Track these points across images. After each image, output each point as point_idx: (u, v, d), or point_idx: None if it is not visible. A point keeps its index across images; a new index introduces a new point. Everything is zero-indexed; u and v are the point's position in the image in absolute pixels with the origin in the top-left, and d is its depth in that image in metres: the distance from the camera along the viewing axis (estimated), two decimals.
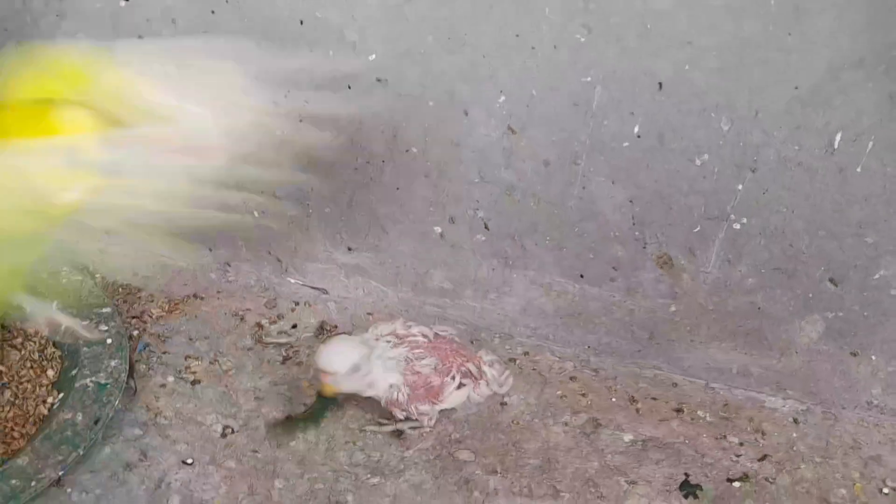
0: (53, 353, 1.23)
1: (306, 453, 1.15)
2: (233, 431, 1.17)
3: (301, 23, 1.18)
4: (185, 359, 1.27)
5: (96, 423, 1.11)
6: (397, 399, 1.13)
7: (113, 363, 1.19)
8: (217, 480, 1.11)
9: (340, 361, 1.11)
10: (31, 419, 1.16)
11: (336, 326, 1.33)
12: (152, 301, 1.36)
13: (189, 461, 1.13)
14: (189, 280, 1.39)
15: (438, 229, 1.28)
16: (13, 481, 1.04)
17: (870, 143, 1.04)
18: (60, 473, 1.06)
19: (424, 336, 1.18)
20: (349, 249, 1.34)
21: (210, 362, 1.27)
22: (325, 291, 1.37)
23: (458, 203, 1.24)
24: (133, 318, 1.32)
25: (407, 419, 1.17)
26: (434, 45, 1.14)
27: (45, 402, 1.18)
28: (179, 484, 1.11)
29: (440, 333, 1.20)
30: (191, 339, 1.30)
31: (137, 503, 1.08)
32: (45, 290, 1.27)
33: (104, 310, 1.26)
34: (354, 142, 1.24)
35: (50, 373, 1.21)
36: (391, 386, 1.14)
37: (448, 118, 1.18)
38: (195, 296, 1.37)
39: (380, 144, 1.23)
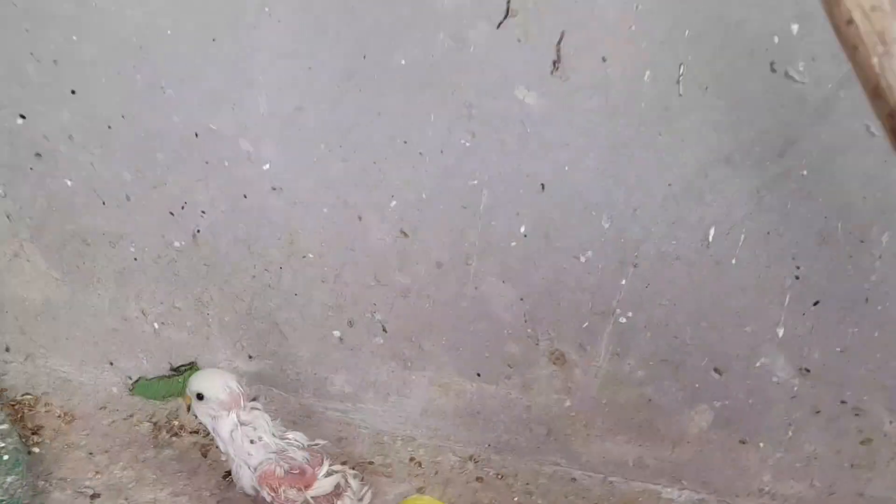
0: None
1: None
2: None
3: (196, 135, 1.20)
4: (85, 472, 1.26)
5: None
6: (274, 472, 1.13)
7: (10, 479, 1.17)
8: None
9: (208, 387, 1.13)
10: None
11: None
12: (51, 415, 1.34)
13: None
14: (90, 394, 1.38)
15: (337, 333, 1.29)
16: None
17: (741, 235, 1.09)
18: None
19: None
20: (250, 357, 1.35)
21: (108, 476, 1.26)
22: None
23: (356, 306, 1.26)
24: (32, 433, 1.31)
25: None
26: (326, 153, 1.17)
27: None
28: None
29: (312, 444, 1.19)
30: (90, 454, 1.29)
31: None
32: None
33: (2, 426, 1.25)
34: (252, 250, 1.26)
35: None
36: (269, 456, 1.13)
37: (342, 223, 1.21)
38: (99, 409, 1.36)
39: (277, 251, 1.26)
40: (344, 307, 1.27)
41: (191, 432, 1.33)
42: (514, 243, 1.16)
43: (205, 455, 1.30)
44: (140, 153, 1.23)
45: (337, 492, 1.17)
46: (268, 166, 1.20)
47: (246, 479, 1.13)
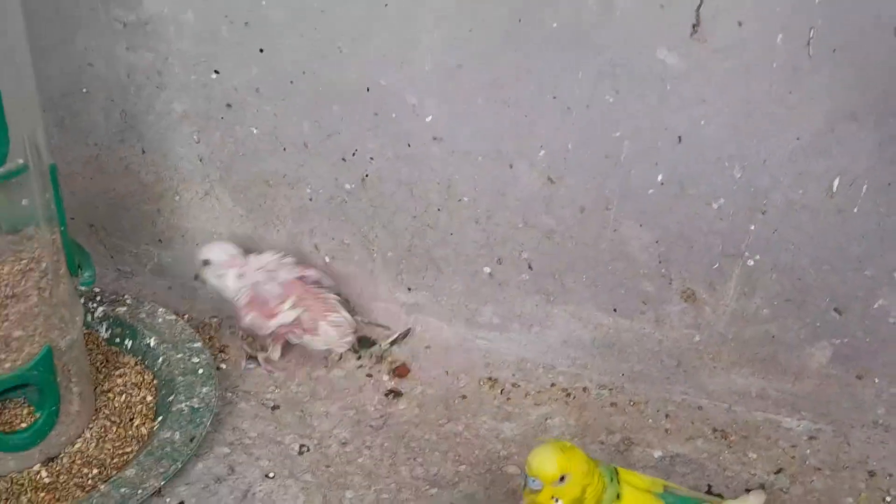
0: (151, 380, 1.40)
1: (372, 468, 1.30)
2: (308, 450, 1.33)
3: (367, 90, 1.35)
4: (266, 387, 1.43)
5: (191, 440, 1.27)
6: (239, 302, 1.43)
7: (204, 390, 1.35)
8: (295, 491, 1.27)
9: (211, 253, 1.44)
10: (133, 438, 1.32)
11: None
12: (234, 337, 1.52)
13: (271, 475, 1.29)
14: None
15: (487, 269, 1.43)
16: (122, 489, 1.21)
17: (864, 186, 1.19)
18: (161, 483, 1.22)
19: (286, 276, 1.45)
20: (409, 289, 1.50)
21: (287, 390, 1.43)
22: (387, 328, 1.53)
23: (505, 245, 1.40)
24: (219, 351, 1.49)
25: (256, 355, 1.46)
26: (482, 107, 1.30)
27: (144, 423, 1.34)
28: (263, 494, 1.26)
29: (306, 277, 1.45)
30: (268, 371, 1.46)
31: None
32: (143, 329, 1.45)
33: (195, 344, 1.43)
34: (413, 193, 1.41)
35: (149, 398, 1.38)
36: (238, 290, 1.43)
37: (495, 170, 1.35)
38: None
39: (435, 194, 1.40)
40: (494, 246, 1.41)
41: (357, 357, 1.49)
42: (651, 191, 1.28)
43: (369, 376, 1.45)
44: (318, 105, 1.39)
45: (304, 327, 1.43)
46: (430, 118, 1.34)
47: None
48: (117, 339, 1.47)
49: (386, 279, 1.50)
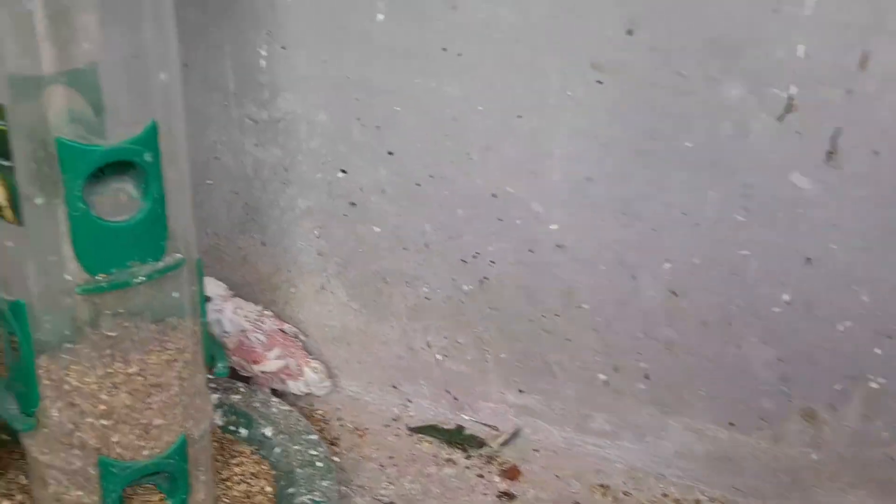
0: (269, 470, 1.43)
1: None
2: None
3: (494, 196, 1.38)
4: (379, 482, 1.45)
5: None
6: (225, 343, 1.53)
7: (325, 484, 1.37)
8: None
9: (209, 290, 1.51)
10: None
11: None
12: (345, 429, 1.55)
13: None
14: (376, 412, 1.58)
15: (603, 376, 1.45)
16: None
17: None
18: None
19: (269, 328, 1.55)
20: (520, 391, 1.52)
21: (400, 486, 1.45)
22: (495, 428, 1.54)
23: (623, 354, 1.42)
24: (330, 444, 1.52)
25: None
26: (609, 218, 1.33)
27: None
28: None
29: (285, 330, 1.56)
30: (382, 466, 1.48)
31: None
32: (259, 418, 1.48)
33: (311, 436, 1.45)
34: (532, 298, 1.43)
35: (268, 489, 1.40)
36: (230, 328, 1.53)
37: (617, 280, 1.37)
38: (384, 426, 1.55)
39: (555, 300, 1.42)
40: (611, 354, 1.43)
41: (466, 457, 1.50)
42: (776, 309, 1.30)
43: (480, 476, 1.47)
44: (442, 208, 1.42)
45: (289, 373, 1.55)
46: (555, 226, 1.37)
47: None
48: (231, 427, 1.50)
49: (497, 380, 1.52)
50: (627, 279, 1.36)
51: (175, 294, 1.20)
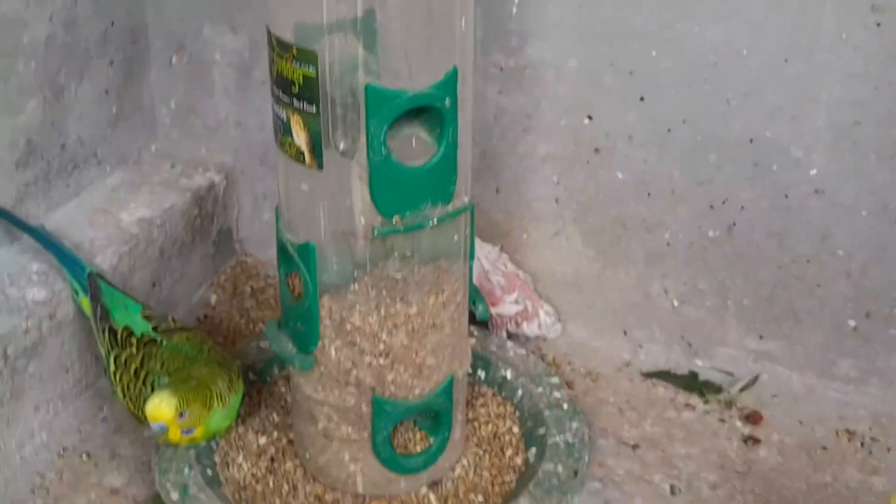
0: (513, 412, 1.44)
1: None
2: (680, 491, 1.35)
3: (750, 141, 1.37)
4: (620, 425, 1.46)
5: (575, 475, 1.31)
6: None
7: (574, 425, 1.39)
8: None
9: None
10: (510, 468, 1.36)
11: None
12: (576, 373, 1.56)
13: None
14: (606, 358, 1.58)
15: (853, 322, 1.44)
16: None
17: None
18: None
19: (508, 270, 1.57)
20: (760, 337, 1.51)
21: (642, 430, 1.45)
22: (730, 374, 1.54)
23: (877, 301, 1.40)
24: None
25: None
26: (875, 163, 1.31)
27: (517, 454, 1.38)
28: None
29: (519, 275, 1.57)
30: (620, 410, 1.49)
31: None
32: (497, 361, 1.49)
33: (553, 379, 1.47)
34: (783, 244, 1.42)
35: (515, 429, 1.42)
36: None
37: (878, 226, 1.35)
38: (616, 371, 1.56)
39: (807, 246, 1.41)
40: (864, 300, 1.41)
41: (704, 402, 1.50)
42: None
43: (722, 421, 1.47)
44: (693, 154, 1.42)
45: (525, 316, 1.56)
46: (814, 171, 1.35)
47: None
48: (469, 370, 1.52)
49: (736, 326, 1.52)
50: (890, 225, 1.35)
51: (455, 237, 1.22)
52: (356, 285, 1.19)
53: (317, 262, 1.18)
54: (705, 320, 1.53)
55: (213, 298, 1.68)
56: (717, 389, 1.52)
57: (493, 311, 1.55)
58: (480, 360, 1.50)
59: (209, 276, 1.69)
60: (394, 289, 1.20)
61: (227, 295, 1.68)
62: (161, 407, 1.21)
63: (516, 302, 1.56)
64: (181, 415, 1.21)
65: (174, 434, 1.23)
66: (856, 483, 1.36)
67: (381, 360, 1.23)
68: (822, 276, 1.42)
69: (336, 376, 1.25)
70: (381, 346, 1.22)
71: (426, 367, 1.25)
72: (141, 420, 1.30)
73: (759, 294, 1.48)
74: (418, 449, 1.31)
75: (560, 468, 1.32)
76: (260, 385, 1.47)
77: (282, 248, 1.22)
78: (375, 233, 1.14)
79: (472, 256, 1.27)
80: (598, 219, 1.54)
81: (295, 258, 1.19)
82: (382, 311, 1.20)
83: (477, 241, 1.53)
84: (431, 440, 1.31)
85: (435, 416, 1.30)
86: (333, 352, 1.23)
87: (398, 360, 1.23)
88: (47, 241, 1.40)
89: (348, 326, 1.21)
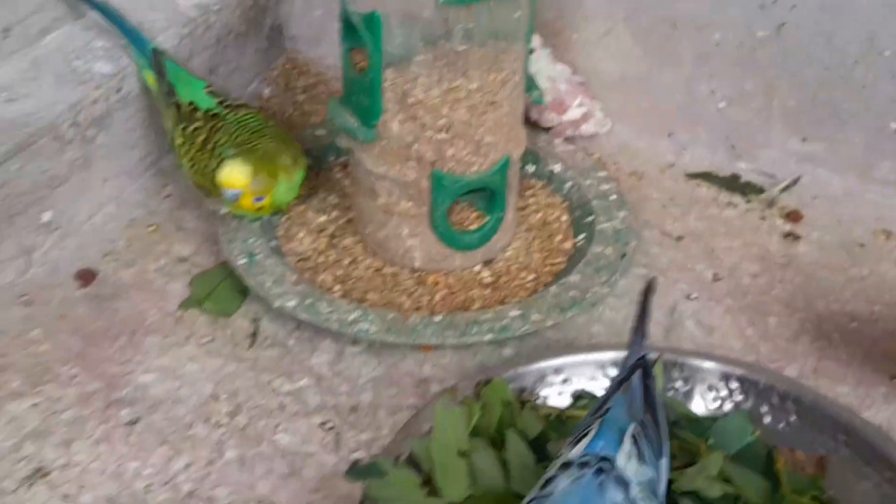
0: (562, 202, 1.49)
1: (788, 300, 1.37)
2: (722, 278, 1.41)
3: None
4: (664, 218, 1.51)
5: (623, 256, 1.37)
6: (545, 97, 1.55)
7: (621, 214, 1.44)
8: (720, 312, 1.35)
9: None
10: (559, 252, 1.42)
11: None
12: (621, 171, 1.60)
13: (693, 296, 1.38)
14: (650, 158, 1.62)
15: (894, 125, 1.47)
16: (571, 292, 1.31)
17: None
18: (606, 291, 1.32)
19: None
20: (803, 140, 1.55)
21: (685, 223, 1.50)
22: (772, 176, 1.58)
23: None
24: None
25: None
26: None
27: (566, 239, 1.44)
28: (690, 312, 1.35)
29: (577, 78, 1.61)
30: (664, 206, 1.54)
31: (657, 321, 1.32)
32: (545, 156, 1.53)
33: (600, 173, 1.51)
34: (831, 44, 1.44)
35: (564, 217, 1.47)
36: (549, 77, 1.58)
37: None
38: (660, 171, 1.60)
39: (855, 47, 1.43)
40: None
41: (746, 201, 1.55)
42: None
43: (762, 219, 1.52)
44: None
45: (585, 117, 1.61)
46: None
47: None
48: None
49: (781, 128, 1.55)
50: None
51: (516, 15, 1.25)
52: (419, 58, 1.23)
53: (382, 32, 1.21)
54: (750, 122, 1.57)
55: (266, 92, 1.71)
56: (759, 190, 1.57)
57: (563, 118, 1.59)
58: (529, 154, 1.54)
59: (261, 70, 1.72)
60: (455, 64, 1.23)
61: (280, 89, 1.72)
62: (235, 174, 1.26)
63: (580, 105, 1.59)
64: (253, 182, 1.26)
65: (246, 201, 1.28)
66: (891, 277, 1.41)
67: (442, 135, 1.27)
68: (867, 78, 1.45)
69: (397, 150, 1.29)
70: (442, 121, 1.26)
71: (484, 144, 1.29)
72: (208, 192, 1.35)
73: (805, 96, 1.51)
74: (474, 227, 1.36)
75: (608, 251, 1.38)
76: (316, 170, 1.51)
77: (346, 21, 1.25)
78: (441, 1, 1.16)
79: (530, 39, 1.30)
80: (649, 18, 1.56)
81: (360, 29, 1.22)
82: (444, 85, 1.24)
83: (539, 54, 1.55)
84: (486, 219, 1.36)
85: (490, 196, 1.35)
86: (395, 125, 1.27)
87: (458, 136, 1.27)
88: (113, 17, 1.43)
89: (410, 100, 1.25)
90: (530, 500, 0.87)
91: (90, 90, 1.36)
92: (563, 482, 0.86)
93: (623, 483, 0.86)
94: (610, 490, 0.85)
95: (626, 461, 0.88)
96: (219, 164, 1.30)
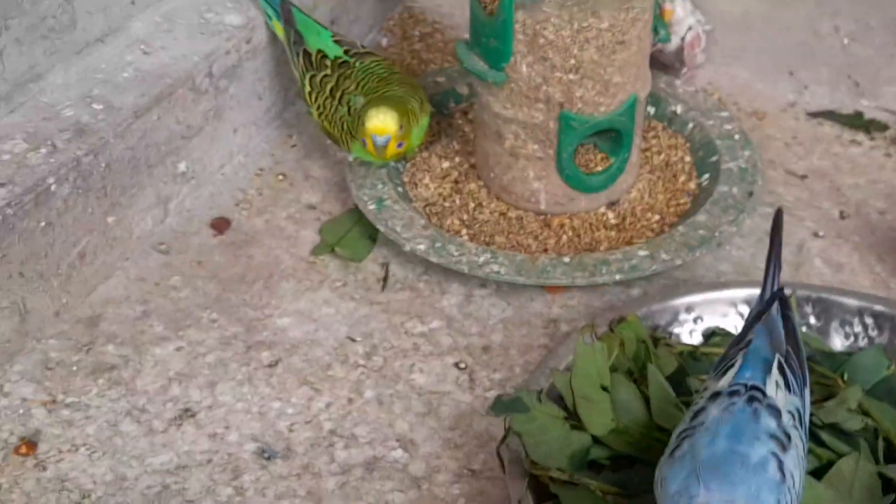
0: (684, 143, 1.49)
1: None
2: (849, 216, 1.40)
3: None
4: (789, 157, 1.50)
5: (750, 195, 1.36)
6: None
7: (746, 153, 1.43)
8: (848, 250, 1.35)
9: None
10: (683, 192, 1.42)
11: None
12: (742, 112, 1.59)
13: (820, 234, 1.37)
14: (770, 98, 1.61)
15: None
16: (700, 231, 1.31)
17: None
18: (734, 229, 1.32)
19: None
20: None
21: (810, 162, 1.49)
22: (894, 112, 1.56)
23: None
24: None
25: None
26: None
27: (690, 180, 1.43)
28: (817, 250, 1.35)
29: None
30: (787, 144, 1.53)
31: (785, 259, 1.32)
32: (667, 97, 1.53)
33: (723, 113, 1.50)
34: None
35: (687, 158, 1.47)
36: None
37: None
38: (781, 111, 1.59)
39: None
40: None
41: (870, 139, 1.53)
42: None
43: (888, 156, 1.50)
44: None
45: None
46: None
47: None
48: None
49: None
50: None
51: None
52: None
53: None
54: (874, 58, 1.55)
55: (384, 41, 1.73)
56: (884, 127, 1.55)
57: (686, 60, 1.60)
58: (650, 96, 1.54)
59: (379, 20, 1.74)
60: (585, 3, 1.23)
61: (397, 38, 1.74)
62: (387, 121, 1.28)
63: (703, 51, 1.60)
64: (400, 128, 1.29)
65: (392, 147, 1.30)
66: None
67: (571, 76, 1.27)
68: None
69: (526, 92, 1.30)
70: (572, 62, 1.27)
71: (613, 84, 1.29)
72: (336, 139, 1.38)
73: None
74: (599, 169, 1.37)
75: (734, 190, 1.37)
76: (437, 117, 1.53)
77: None
78: None
79: None
80: None
81: None
82: (575, 25, 1.24)
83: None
84: (612, 160, 1.37)
85: (616, 137, 1.35)
86: (525, 67, 1.28)
87: (587, 76, 1.28)
88: None
89: (541, 41, 1.26)
90: (682, 431, 0.88)
91: (222, 41, 1.39)
92: (714, 411, 0.87)
93: (775, 411, 0.87)
94: (764, 418, 0.86)
95: (774, 390, 0.89)
96: (349, 111, 1.32)
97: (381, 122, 1.28)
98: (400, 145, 1.31)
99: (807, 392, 0.94)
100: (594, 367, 1.04)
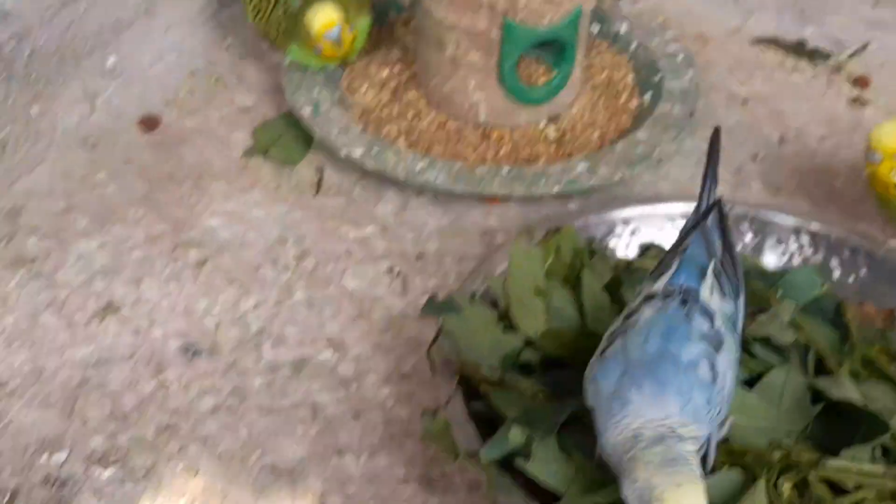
0: (627, 62, 1.47)
1: (854, 163, 1.36)
2: (787, 142, 1.39)
3: None
4: (731, 83, 1.49)
5: (691, 115, 1.35)
6: None
7: (689, 74, 1.42)
8: (787, 173, 1.34)
9: None
10: (624, 111, 1.40)
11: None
12: (685, 36, 1.57)
13: (760, 157, 1.37)
14: (714, 23, 1.60)
15: None
16: (638, 148, 1.30)
17: None
18: (674, 147, 1.31)
19: None
20: (873, 6, 1.51)
21: (750, 88, 1.48)
22: (839, 42, 1.55)
23: None
24: None
25: None
26: None
27: (632, 99, 1.42)
28: (756, 172, 1.35)
29: None
30: (730, 70, 1.52)
31: (723, 180, 1.31)
32: (611, 17, 1.51)
33: (667, 34, 1.49)
34: None
35: (629, 76, 1.45)
36: None
37: None
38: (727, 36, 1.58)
39: None
40: None
41: (813, 66, 1.53)
42: None
43: (829, 84, 1.49)
44: None
45: None
46: None
47: None
48: None
49: None
50: None
51: None
52: None
53: None
54: None
55: None
56: (826, 56, 1.54)
57: None
58: (596, 13, 1.51)
59: None
60: None
61: None
62: (328, 12, 1.28)
63: None
64: (345, 14, 1.30)
65: (346, 36, 1.31)
66: None
67: None
68: None
69: None
70: None
71: None
72: (272, 40, 1.34)
73: None
74: (541, 81, 1.35)
75: (676, 109, 1.36)
76: (378, 26, 1.49)
77: None
78: None
79: None
80: None
81: None
82: None
83: None
84: (554, 73, 1.35)
85: (559, 50, 1.33)
86: None
87: None
88: None
89: None
90: (613, 331, 0.87)
91: None
92: (647, 312, 0.86)
93: (708, 314, 0.86)
94: (696, 319, 0.85)
95: (709, 294, 0.88)
96: (285, 12, 1.29)
97: (326, 16, 1.26)
98: (351, 30, 1.29)
99: (741, 300, 0.93)
100: (529, 271, 1.03)
